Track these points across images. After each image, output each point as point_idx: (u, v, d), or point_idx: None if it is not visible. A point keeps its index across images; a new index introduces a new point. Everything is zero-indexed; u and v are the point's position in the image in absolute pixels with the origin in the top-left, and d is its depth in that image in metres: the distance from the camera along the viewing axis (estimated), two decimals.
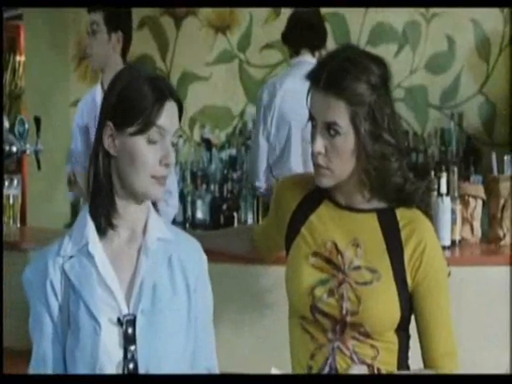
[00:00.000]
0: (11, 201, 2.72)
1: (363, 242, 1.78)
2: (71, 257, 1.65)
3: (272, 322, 2.29)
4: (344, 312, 1.74)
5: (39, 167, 3.18)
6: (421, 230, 1.78)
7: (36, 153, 3.13)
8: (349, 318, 1.74)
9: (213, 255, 2.19)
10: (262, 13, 4.76)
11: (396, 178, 1.78)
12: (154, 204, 1.73)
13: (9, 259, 2.56)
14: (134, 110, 1.62)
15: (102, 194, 1.67)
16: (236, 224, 4.14)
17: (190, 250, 1.76)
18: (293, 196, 1.90)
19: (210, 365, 1.76)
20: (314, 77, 1.78)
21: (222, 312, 2.26)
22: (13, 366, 2.25)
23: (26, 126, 3.01)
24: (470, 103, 4.65)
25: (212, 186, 4.42)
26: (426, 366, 1.81)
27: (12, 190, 2.73)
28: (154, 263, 1.68)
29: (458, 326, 1.84)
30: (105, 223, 1.66)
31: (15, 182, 2.73)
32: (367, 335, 1.75)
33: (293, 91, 3.43)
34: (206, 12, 4.92)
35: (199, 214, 4.36)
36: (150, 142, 1.63)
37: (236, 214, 4.23)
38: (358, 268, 1.76)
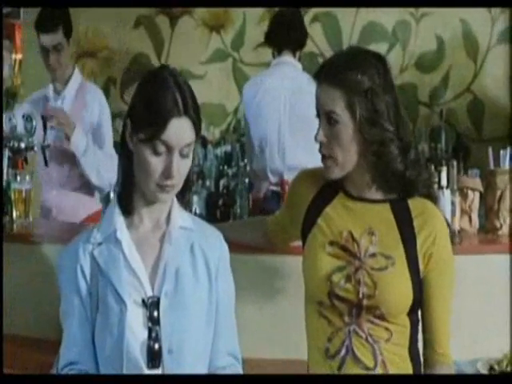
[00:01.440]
0: (23, 195, 2.79)
1: (378, 230, 1.89)
2: (100, 243, 1.76)
3: (281, 308, 2.39)
4: (361, 296, 1.85)
5: (46, 163, 3.26)
6: (432, 222, 1.89)
7: (43, 149, 3.20)
8: (365, 302, 1.85)
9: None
10: (255, 12, 4.84)
11: (397, 165, 1.87)
12: (182, 195, 1.82)
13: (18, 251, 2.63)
14: (144, 119, 1.69)
15: (125, 186, 1.79)
16: (232, 219, 4.22)
17: (212, 240, 1.86)
18: (308, 189, 2.01)
19: (232, 349, 1.85)
20: (317, 74, 1.92)
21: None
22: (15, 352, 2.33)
23: (34, 122, 3.07)
24: (458, 101, 4.78)
25: (208, 182, 4.49)
26: (426, 345, 1.93)
27: (25, 185, 2.80)
28: (177, 250, 1.78)
29: (457, 312, 1.95)
30: (128, 212, 1.78)
31: (27, 177, 2.80)
32: (382, 318, 1.86)
33: (271, 90, 3.58)
34: (200, 11, 4.99)
35: (196, 209, 4.43)
36: (155, 153, 1.69)
37: (232, 209, 4.31)
38: (373, 255, 1.87)
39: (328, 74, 1.87)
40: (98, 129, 3.37)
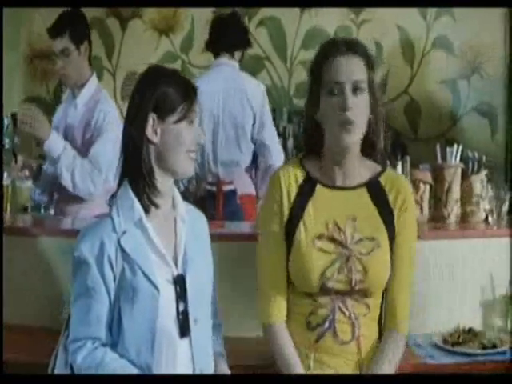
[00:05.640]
0: (5, 191, 2.92)
1: (359, 215, 2.06)
2: (124, 232, 1.90)
3: None
4: (353, 283, 2.01)
5: (16, 161, 3.36)
6: (403, 191, 2.10)
7: (13, 148, 3.30)
8: (357, 287, 2.02)
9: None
10: (203, 16, 4.98)
11: (381, 141, 2.09)
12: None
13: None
14: (176, 100, 1.93)
15: (143, 177, 1.92)
16: None
17: (202, 218, 2.12)
18: (287, 188, 2.10)
19: (217, 309, 2.12)
20: (330, 47, 2.04)
21: (224, 281, 2.53)
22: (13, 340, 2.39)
23: (5, 121, 3.17)
24: (396, 102, 5.08)
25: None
26: (389, 313, 2.10)
27: (4, 181, 2.93)
28: (187, 229, 1.99)
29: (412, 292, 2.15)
30: (147, 202, 1.93)
31: (5, 174, 2.93)
32: (365, 295, 2.04)
33: (209, 93, 3.65)
34: (150, 14, 5.14)
35: None
36: (190, 124, 1.94)
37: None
38: (359, 241, 2.04)
39: (349, 45, 2.02)
40: (96, 140, 3.24)
